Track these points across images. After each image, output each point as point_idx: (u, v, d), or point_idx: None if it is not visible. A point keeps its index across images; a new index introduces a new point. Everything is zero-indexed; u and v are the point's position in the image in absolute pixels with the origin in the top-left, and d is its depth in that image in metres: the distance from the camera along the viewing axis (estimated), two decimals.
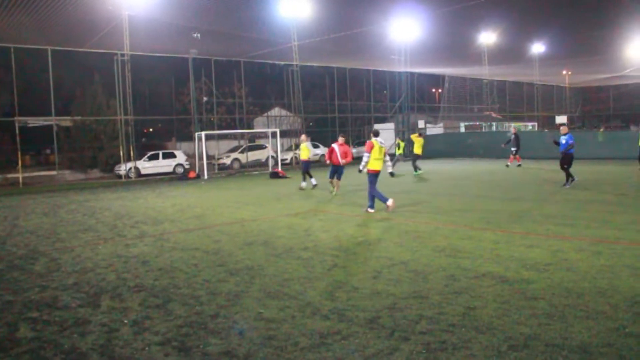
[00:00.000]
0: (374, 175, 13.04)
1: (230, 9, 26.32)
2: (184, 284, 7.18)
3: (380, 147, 13.07)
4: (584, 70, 54.26)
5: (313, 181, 19.99)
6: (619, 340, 4.72)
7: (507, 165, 26.68)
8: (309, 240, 9.86)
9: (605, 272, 6.86)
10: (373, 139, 13.14)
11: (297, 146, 37.14)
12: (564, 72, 57.15)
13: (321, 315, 5.67)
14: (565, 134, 16.92)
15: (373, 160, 12.98)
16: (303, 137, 21.40)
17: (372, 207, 13.15)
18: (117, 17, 25.83)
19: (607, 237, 9.07)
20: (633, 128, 53.96)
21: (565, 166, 16.83)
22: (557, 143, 17.26)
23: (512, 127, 33.29)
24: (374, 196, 13.14)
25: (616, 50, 42.81)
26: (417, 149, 24.71)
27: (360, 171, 13.36)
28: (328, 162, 17.71)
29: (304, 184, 20.01)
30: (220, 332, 5.31)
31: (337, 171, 17.36)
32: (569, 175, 16.86)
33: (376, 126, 46.58)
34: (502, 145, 28.49)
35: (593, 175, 19.45)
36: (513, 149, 26.86)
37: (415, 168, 24.51)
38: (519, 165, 26.53)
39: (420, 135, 25.30)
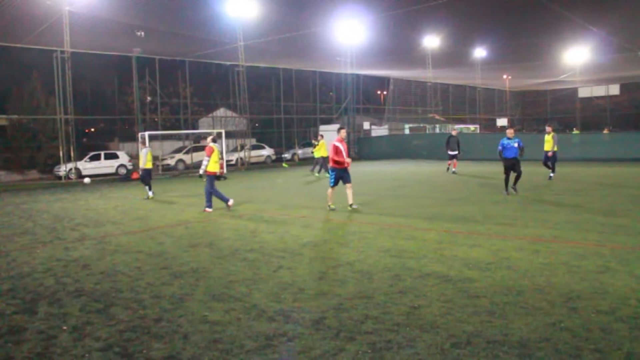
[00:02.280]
0: (213, 177, 14.39)
1: (175, 7, 25.97)
2: (127, 287, 7.02)
3: (218, 151, 14.50)
4: (524, 75, 56.04)
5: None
6: (555, 335, 4.89)
7: (448, 170, 24.73)
8: (255, 241, 9.81)
9: (543, 270, 7.09)
10: (212, 144, 14.28)
11: (243, 147, 36.97)
12: (505, 76, 58.82)
13: (267, 317, 5.65)
14: (512, 138, 15.65)
15: (213, 163, 14.23)
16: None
17: (210, 206, 14.20)
18: (57, 12, 25.07)
19: (545, 236, 9.37)
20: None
21: (520, 170, 15.58)
22: (502, 149, 15.71)
23: (454, 129, 32.95)
24: (214, 196, 14.35)
25: (553, 57, 44.41)
26: (323, 152, 25.20)
27: (200, 176, 14.48)
28: (331, 165, 13.66)
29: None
30: (164, 336, 5.21)
31: (343, 175, 13.65)
32: (517, 178, 15.75)
33: (322, 127, 46.80)
34: (449, 152, 24.96)
35: (531, 177, 20.01)
36: (452, 152, 24.25)
37: (320, 170, 25.43)
38: (454, 172, 23.88)
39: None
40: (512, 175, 15.76)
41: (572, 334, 4.91)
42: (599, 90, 65.14)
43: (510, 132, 15.99)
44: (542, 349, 4.59)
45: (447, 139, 24.69)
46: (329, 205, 13.76)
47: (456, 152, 24.15)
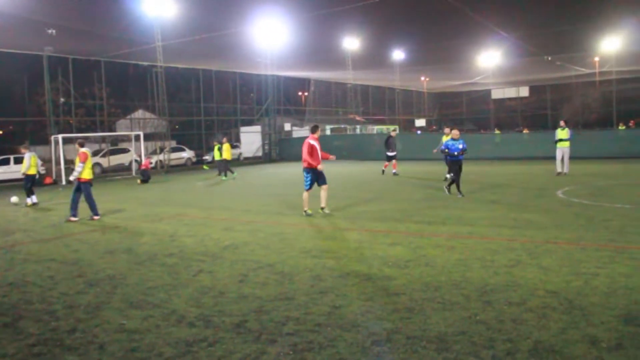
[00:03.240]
0: (89, 184, 13.53)
1: (89, 4, 25.04)
2: (38, 298, 6.71)
3: (91, 157, 13.90)
4: (441, 77, 57.88)
5: None
6: (471, 328, 5.07)
7: (384, 172, 23.55)
8: (174, 246, 9.62)
9: (459, 266, 7.33)
10: (84, 149, 13.65)
11: (162, 149, 36.17)
12: (422, 78, 60.45)
13: (187, 322, 5.54)
14: (457, 139, 15.14)
15: (87, 169, 13.48)
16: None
17: (75, 215, 13.41)
18: None
19: (462, 233, 9.69)
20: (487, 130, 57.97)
21: (457, 172, 15.15)
22: (447, 151, 15.27)
23: (393, 129, 30.97)
24: (77, 204, 13.50)
25: (468, 59, 46.10)
26: (226, 154, 25.27)
27: (70, 182, 14.01)
28: (305, 165, 12.60)
29: None
30: (79, 347, 5.01)
31: (319, 177, 12.78)
32: (458, 183, 15.22)
33: (242, 129, 46.51)
34: (387, 153, 23.28)
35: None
36: (391, 154, 23.07)
37: (226, 172, 25.39)
38: (395, 173, 22.90)
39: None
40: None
41: (486, 326, 5.10)
42: (510, 92, 68.30)
43: (455, 133, 15.49)
44: (458, 342, 4.73)
45: (386, 140, 23.50)
46: (305, 211, 12.63)
47: (394, 153, 23.22)
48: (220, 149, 25.58)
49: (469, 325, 5.15)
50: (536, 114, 63.64)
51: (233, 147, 43.29)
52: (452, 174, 15.50)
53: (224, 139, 25.97)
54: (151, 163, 29.34)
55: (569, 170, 19.93)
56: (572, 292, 5.99)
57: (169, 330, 5.35)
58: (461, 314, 5.46)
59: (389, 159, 23.29)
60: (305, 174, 12.72)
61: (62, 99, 35.89)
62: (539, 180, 18.68)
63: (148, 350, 4.87)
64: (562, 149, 20.04)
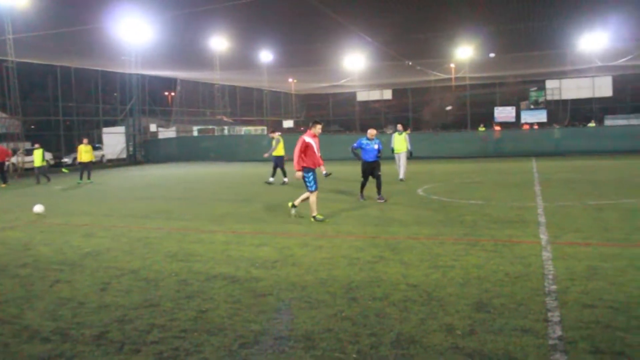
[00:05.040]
0: None
1: None
2: None
3: None
4: (308, 79, 58.90)
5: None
6: (337, 325, 5.16)
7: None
8: (28, 255, 8.94)
9: (326, 264, 7.47)
10: None
11: (16, 151, 33.61)
12: (290, 79, 61.14)
13: (41, 338, 5.15)
14: (372, 139, 14.12)
15: None
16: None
17: None
18: None
19: (328, 232, 9.89)
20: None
21: (379, 174, 14.10)
22: (357, 153, 14.37)
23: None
24: None
25: (334, 62, 47.32)
26: (88, 157, 23.90)
27: None
28: (301, 167, 11.09)
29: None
30: None
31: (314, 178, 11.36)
32: (379, 185, 14.12)
33: (105, 129, 44.48)
34: (265, 155, 20.74)
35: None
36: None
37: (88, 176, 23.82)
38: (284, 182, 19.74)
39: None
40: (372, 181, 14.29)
41: (351, 322, 5.22)
42: (375, 94, 71.13)
43: (371, 132, 14.33)
44: (325, 340, 4.81)
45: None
46: (314, 217, 11.14)
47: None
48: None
49: (335, 322, 5.24)
50: (400, 115, 66.60)
51: (95, 148, 41.32)
52: (363, 179, 14.29)
53: (85, 140, 24.56)
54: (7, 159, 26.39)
55: (405, 177, 18.97)
56: (431, 285, 6.31)
57: (19, 347, 4.95)
58: (327, 311, 5.55)
59: None
60: (305, 174, 11.18)
61: None
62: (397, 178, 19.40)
63: None
64: (399, 154, 19.07)
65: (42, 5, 26.80)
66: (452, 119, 63.39)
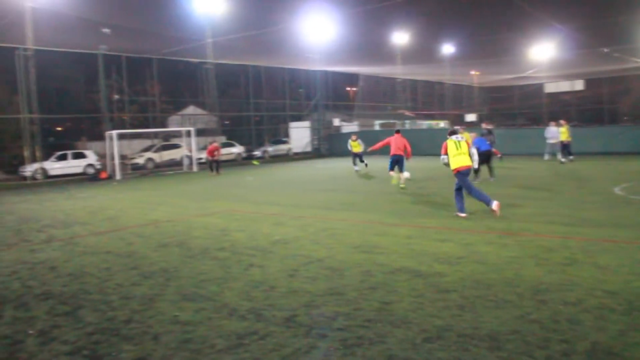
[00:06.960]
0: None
1: (141, 4, 25.61)
2: (95, 289, 6.92)
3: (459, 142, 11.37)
4: (491, 71, 56.71)
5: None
6: (524, 327, 4.96)
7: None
8: (225, 240, 9.75)
9: (512, 263, 7.19)
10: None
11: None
12: (473, 72, 59.42)
13: (238, 315, 5.62)
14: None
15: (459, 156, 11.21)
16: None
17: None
18: (18, 8, 24.50)
19: (513, 230, 9.49)
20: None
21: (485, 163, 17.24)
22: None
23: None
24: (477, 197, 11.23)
25: (520, 53, 45.06)
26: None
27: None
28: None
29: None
30: (134, 337, 5.15)
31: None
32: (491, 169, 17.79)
33: (292, 124, 46.64)
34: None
35: (504, 171, 20.25)
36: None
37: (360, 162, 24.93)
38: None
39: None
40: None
41: (540, 325, 4.99)
42: (564, 86, 66.39)
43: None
44: (511, 341, 4.65)
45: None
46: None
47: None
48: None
49: (522, 324, 5.04)
50: (592, 108, 61.64)
51: (282, 142, 43.62)
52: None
53: (353, 137, 24.77)
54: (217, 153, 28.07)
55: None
56: (632, 293, 5.80)
57: (220, 322, 5.44)
58: (514, 312, 5.35)
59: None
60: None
61: (116, 96, 36.82)
62: (594, 176, 18.08)
63: (201, 342, 4.96)
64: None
65: (237, 11, 28.84)
66: None
